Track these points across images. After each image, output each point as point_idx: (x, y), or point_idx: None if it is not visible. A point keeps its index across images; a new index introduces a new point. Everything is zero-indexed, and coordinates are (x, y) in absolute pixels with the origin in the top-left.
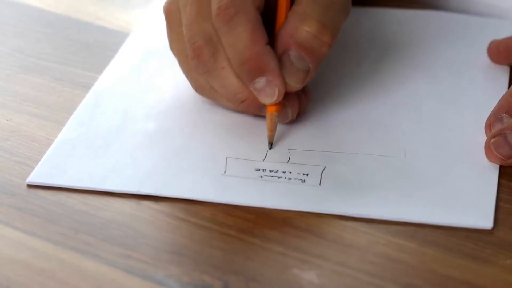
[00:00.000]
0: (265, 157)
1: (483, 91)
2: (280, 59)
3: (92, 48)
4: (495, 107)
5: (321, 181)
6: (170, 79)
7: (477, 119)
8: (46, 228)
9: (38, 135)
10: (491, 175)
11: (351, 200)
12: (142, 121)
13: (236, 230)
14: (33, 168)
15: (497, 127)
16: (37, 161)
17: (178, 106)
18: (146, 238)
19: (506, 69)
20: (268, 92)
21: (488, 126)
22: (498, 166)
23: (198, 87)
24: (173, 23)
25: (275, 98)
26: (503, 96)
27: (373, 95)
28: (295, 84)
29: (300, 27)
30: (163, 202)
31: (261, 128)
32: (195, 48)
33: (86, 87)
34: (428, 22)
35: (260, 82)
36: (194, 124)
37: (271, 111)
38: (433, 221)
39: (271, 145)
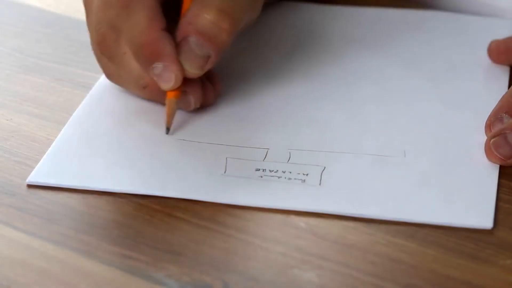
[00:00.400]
0: (265, 157)
1: (483, 91)
2: (179, 46)
3: None
4: (495, 107)
5: (321, 181)
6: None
7: (477, 119)
8: (46, 228)
9: (38, 135)
10: (491, 175)
11: (351, 200)
12: (142, 121)
13: (236, 230)
14: (33, 168)
15: (497, 127)
16: (37, 161)
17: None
18: (146, 238)
19: (506, 69)
20: (166, 77)
21: (488, 126)
22: (498, 166)
23: (108, 74)
24: (88, 11)
25: (172, 83)
26: (503, 96)
27: (373, 95)
28: (194, 70)
29: (200, 15)
30: (163, 202)
31: (261, 128)
32: (99, 34)
33: (86, 87)
34: (428, 22)
35: (158, 67)
36: (194, 124)
37: (169, 97)
38: (433, 221)
39: (168, 130)
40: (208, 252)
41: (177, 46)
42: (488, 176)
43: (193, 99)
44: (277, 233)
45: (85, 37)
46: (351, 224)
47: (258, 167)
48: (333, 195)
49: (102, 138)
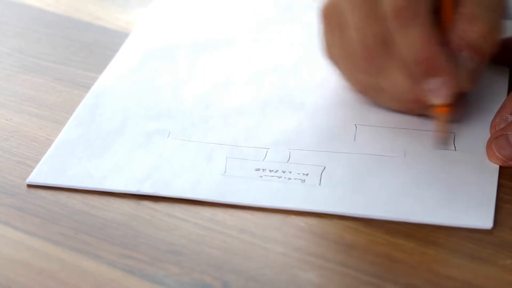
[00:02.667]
0: (265, 157)
1: (483, 91)
2: (454, 59)
3: (92, 48)
4: (499, 109)
5: (321, 181)
6: (170, 79)
7: (477, 119)
8: (46, 228)
9: (38, 135)
10: (491, 175)
11: (351, 200)
12: (142, 121)
13: (236, 230)
14: (33, 168)
15: (502, 128)
16: (37, 161)
17: (177, 106)
18: (146, 238)
19: (506, 69)
20: (442, 93)
21: (493, 127)
22: (498, 166)
23: (364, 88)
24: (334, 26)
25: (447, 99)
26: (508, 97)
27: None
28: (467, 85)
29: (470, 29)
30: (163, 202)
31: (260, 128)
32: (367, 49)
33: (86, 87)
34: None
35: (435, 82)
36: (194, 124)
37: (443, 111)
38: (433, 221)
39: (442, 144)
40: (208, 252)
41: (456, 60)
42: (488, 176)
43: (461, 112)
44: (277, 233)
45: (85, 37)
46: (351, 224)
47: (258, 167)
48: (333, 195)
49: (102, 138)
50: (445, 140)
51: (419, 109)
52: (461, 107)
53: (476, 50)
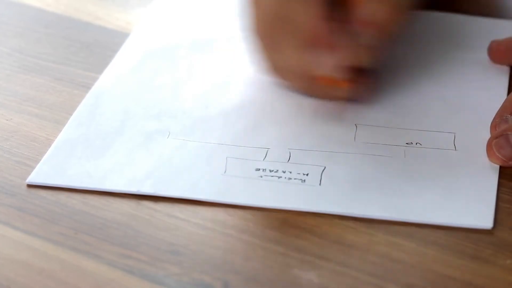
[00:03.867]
0: (265, 157)
1: (483, 91)
2: (352, 36)
3: (92, 48)
4: (499, 109)
5: (321, 181)
6: (170, 79)
7: (477, 119)
8: (46, 228)
9: (38, 135)
10: (491, 175)
11: (351, 200)
12: (142, 121)
13: (236, 230)
14: (33, 168)
15: (503, 128)
16: (37, 161)
17: (177, 106)
18: (146, 238)
19: (506, 69)
20: (340, 67)
21: (494, 127)
22: (498, 166)
23: (272, 68)
24: (251, 4)
25: (345, 73)
26: (508, 97)
27: (372, 96)
28: (365, 60)
29: (369, 5)
30: (163, 202)
31: (260, 127)
32: (265, 25)
33: (86, 87)
34: (428, 22)
35: (332, 57)
36: (194, 124)
37: (342, 86)
38: (433, 221)
39: (338, 116)
40: (208, 252)
41: (349, 36)
42: (488, 176)
43: (362, 89)
44: (277, 233)
45: (85, 37)
46: (351, 224)
47: (258, 167)
48: (333, 195)
49: (102, 138)
50: (342, 115)
51: (326, 89)
52: (364, 84)
53: (377, 26)
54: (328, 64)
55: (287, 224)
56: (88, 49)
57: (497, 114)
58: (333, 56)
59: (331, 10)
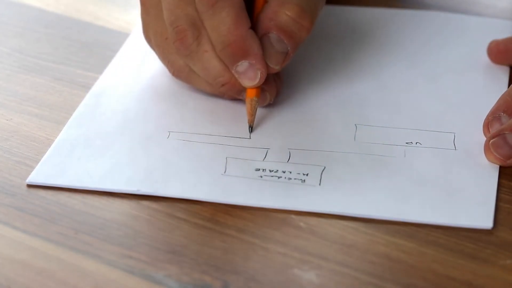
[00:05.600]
0: (265, 157)
1: (483, 91)
2: (260, 42)
3: (92, 48)
4: (493, 107)
5: (321, 181)
6: (169, 79)
7: (477, 119)
8: (46, 228)
9: (38, 135)
10: (491, 175)
11: (351, 200)
12: (141, 121)
13: (236, 230)
14: (33, 168)
15: (495, 126)
16: (37, 161)
17: (177, 106)
18: (146, 238)
19: (506, 69)
20: (250, 75)
21: (486, 125)
22: (498, 166)
23: (176, 71)
24: (149, 7)
25: (257, 81)
26: (501, 96)
27: (372, 96)
28: (274, 66)
29: (280, 11)
30: (163, 202)
31: (262, 128)
32: (178, 31)
33: (86, 87)
34: (427, 22)
35: (243, 65)
36: (194, 124)
37: (251, 96)
38: (433, 221)
39: (251, 128)
40: (208, 252)
41: (264, 42)
42: (488, 176)
43: (269, 95)
44: (277, 233)
45: (85, 37)
46: (351, 224)
47: (258, 167)
48: (333, 195)
49: (102, 138)
50: (251, 127)
51: (233, 93)
52: (271, 89)
53: (285, 32)
54: (252, 75)
55: (287, 224)
56: (88, 49)
57: (490, 112)
58: (256, 66)
59: (246, 16)
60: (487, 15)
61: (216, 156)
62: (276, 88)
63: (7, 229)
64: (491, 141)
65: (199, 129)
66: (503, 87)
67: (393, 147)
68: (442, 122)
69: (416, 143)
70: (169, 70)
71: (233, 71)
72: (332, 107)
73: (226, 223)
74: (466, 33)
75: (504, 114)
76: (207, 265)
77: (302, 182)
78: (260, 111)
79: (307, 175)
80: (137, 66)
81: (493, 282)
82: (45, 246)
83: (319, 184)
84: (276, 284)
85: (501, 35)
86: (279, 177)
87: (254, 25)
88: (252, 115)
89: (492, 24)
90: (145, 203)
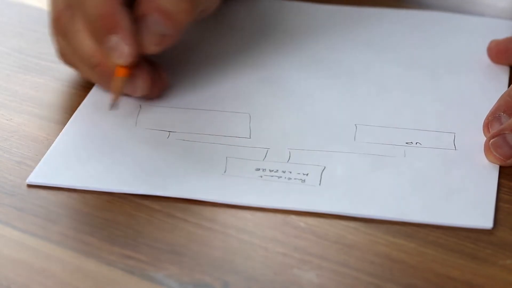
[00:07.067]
0: (265, 157)
1: (483, 91)
2: (138, 22)
3: None
4: (493, 107)
5: (321, 181)
6: (169, 79)
7: (477, 119)
8: (46, 228)
9: (38, 135)
10: (491, 175)
11: (351, 200)
12: (141, 121)
13: (236, 230)
14: (33, 168)
15: (495, 126)
16: (37, 161)
17: (177, 105)
18: (146, 238)
19: (506, 69)
20: (120, 50)
21: (486, 125)
22: (498, 166)
23: (61, 54)
24: None
25: (125, 57)
26: (501, 96)
27: (372, 96)
28: (151, 47)
29: None
30: (163, 202)
31: (261, 128)
32: (55, 12)
33: (86, 87)
34: (427, 22)
35: (112, 40)
36: (194, 124)
37: (118, 75)
38: (433, 221)
39: (111, 106)
40: (208, 252)
41: (136, 22)
42: (488, 176)
43: (141, 84)
44: (277, 233)
45: None
46: (351, 224)
47: (258, 167)
48: (333, 195)
49: (102, 138)
50: (116, 104)
51: (105, 78)
52: (144, 76)
53: (164, 13)
54: (123, 50)
55: (287, 224)
56: None
57: (490, 112)
58: (126, 42)
59: None
60: (487, 15)
61: (216, 156)
62: (154, 83)
63: (7, 229)
64: (491, 141)
65: (199, 129)
66: (503, 87)
67: (393, 147)
68: (442, 122)
69: (416, 143)
70: (57, 54)
71: (103, 48)
72: (332, 107)
73: (226, 223)
74: (466, 33)
75: (504, 114)
76: (207, 265)
77: (302, 182)
78: (260, 111)
79: (307, 175)
80: None
81: (493, 282)
82: (45, 246)
83: (319, 184)
84: (276, 284)
85: (501, 35)
86: (279, 177)
87: (135, 7)
88: (116, 93)
89: (492, 24)
90: (145, 203)
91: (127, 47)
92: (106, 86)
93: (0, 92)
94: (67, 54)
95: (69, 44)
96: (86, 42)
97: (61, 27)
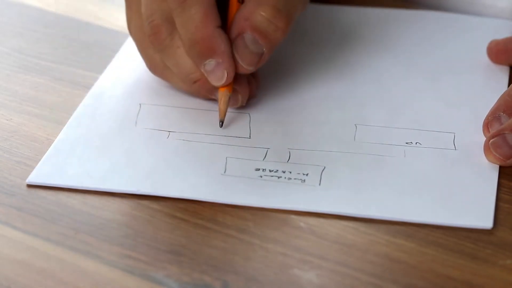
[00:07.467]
0: (265, 157)
1: (483, 91)
2: (234, 42)
3: (92, 48)
4: (493, 107)
5: (321, 181)
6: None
7: (477, 119)
8: (46, 228)
9: (38, 135)
10: (491, 175)
11: (351, 200)
12: (141, 121)
13: (236, 230)
14: (33, 168)
15: (495, 126)
16: (37, 161)
17: (177, 106)
18: (146, 238)
19: (506, 69)
20: (218, 74)
21: (486, 125)
22: (498, 166)
23: (152, 66)
24: (131, 2)
25: (224, 81)
26: (501, 96)
27: (372, 96)
28: (247, 67)
29: (255, 11)
30: (163, 202)
31: (261, 128)
32: (153, 26)
33: (86, 87)
34: (428, 22)
35: (210, 64)
36: (194, 124)
37: (222, 90)
38: (433, 221)
39: (222, 123)
40: (208, 252)
41: (232, 41)
42: (488, 176)
43: (241, 97)
44: (277, 233)
45: (85, 37)
46: (351, 224)
47: (258, 167)
48: (333, 195)
49: (102, 138)
50: (222, 122)
51: (206, 92)
52: (243, 91)
53: (260, 32)
54: (220, 74)
55: (287, 224)
56: (88, 49)
57: (490, 112)
58: (224, 65)
59: (216, 14)
60: (487, 15)
61: (216, 156)
62: (250, 91)
63: (7, 229)
64: (491, 141)
65: (199, 129)
66: (503, 87)
67: (393, 147)
68: (442, 122)
69: (416, 143)
70: (146, 65)
71: (201, 70)
72: (332, 107)
73: (226, 223)
74: (466, 33)
75: (504, 114)
76: (207, 265)
77: (302, 182)
78: (260, 111)
79: (307, 175)
80: (137, 66)
81: (493, 282)
82: (45, 246)
83: (319, 184)
84: (276, 284)
85: (501, 35)
86: (279, 177)
87: (229, 25)
88: (223, 110)
89: (492, 24)
90: (145, 203)
91: (226, 70)
92: (204, 97)
93: (0, 92)
94: (159, 67)
95: (167, 59)
96: (185, 59)
97: (159, 41)
